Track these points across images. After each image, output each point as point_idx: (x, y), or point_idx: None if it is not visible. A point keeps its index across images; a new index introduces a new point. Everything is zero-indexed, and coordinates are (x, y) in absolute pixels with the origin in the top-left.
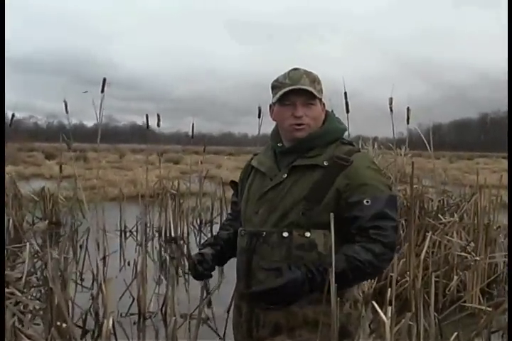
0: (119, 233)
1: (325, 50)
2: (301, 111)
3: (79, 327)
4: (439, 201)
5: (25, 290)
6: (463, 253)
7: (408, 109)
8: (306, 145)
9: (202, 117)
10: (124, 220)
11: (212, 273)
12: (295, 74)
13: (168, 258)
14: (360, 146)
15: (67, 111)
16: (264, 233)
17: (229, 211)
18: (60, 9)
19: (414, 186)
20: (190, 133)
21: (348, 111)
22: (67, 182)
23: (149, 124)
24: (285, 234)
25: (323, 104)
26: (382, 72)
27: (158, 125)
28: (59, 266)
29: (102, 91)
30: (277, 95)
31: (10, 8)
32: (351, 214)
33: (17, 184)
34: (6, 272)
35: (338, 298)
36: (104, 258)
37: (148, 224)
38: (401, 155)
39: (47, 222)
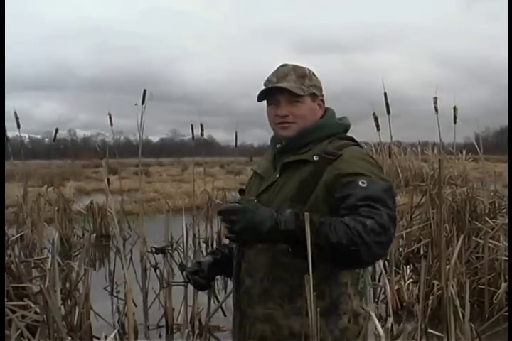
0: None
1: (389, 59)
2: (285, 110)
3: (97, 338)
4: (490, 204)
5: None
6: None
7: (455, 108)
8: (299, 142)
9: (266, 129)
10: (171, 231)
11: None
12: (282, 71)
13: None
14: (420, 151)
15: (111, 124)
16: None
17: None
18: (126, 31)
19: (465, 188)
20: (255, 145)
21: (388, 113)
22: (126, 196)
23: (214, 138)
24: None
25: (321, 99)
26: (447, 80)
27: (202, 134)
28: (78, 278)
29: (143, 102)
30: (258, 94)
31: (81, 34)
32: (343, 193)
33: (66, 198)
34: (26, 285)
35: (334, 311)
36: (145, 270)
37: (196, 235)
38: (460, 159)
39: (95, 235)
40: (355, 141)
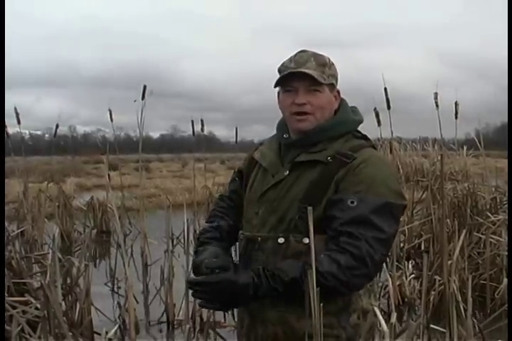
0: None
1: (391, 57)
2: (304, 98)
3: (97, 334)
4: (492, 199)
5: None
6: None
7: (456, 103)
8: (314, 138)
9: (268, 125)
10: (171, 227)
11: None
12: (301, 56)
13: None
14: (421, 147)
15: (111, 120)
16: (259, 238)
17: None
18: (128, 30)
19: (466, 184)
20: (256, 141)
21: (389, 108)
22: (126, 192)
23: (215, 134)
24: (281, 241)
25: (338, 91)
26: (448, 78)
27: (202, 130)
28: (79, 274)
29: (143, 98)
30: (277, 79)
31: (83, 32)
32: (330, 213)
33: (67, 194)
34: (26, 280)
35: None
36: (146, 265)
37: (197, 231)
38: (461, 155)
39: (95, 230)
40: (369, 140)
